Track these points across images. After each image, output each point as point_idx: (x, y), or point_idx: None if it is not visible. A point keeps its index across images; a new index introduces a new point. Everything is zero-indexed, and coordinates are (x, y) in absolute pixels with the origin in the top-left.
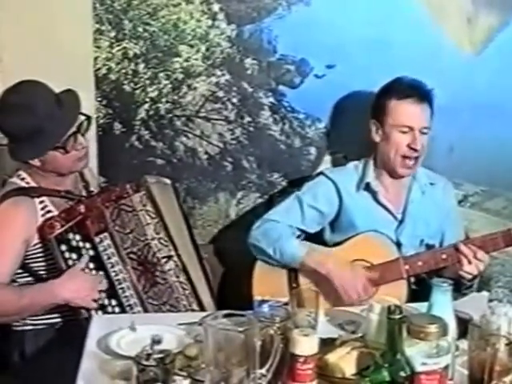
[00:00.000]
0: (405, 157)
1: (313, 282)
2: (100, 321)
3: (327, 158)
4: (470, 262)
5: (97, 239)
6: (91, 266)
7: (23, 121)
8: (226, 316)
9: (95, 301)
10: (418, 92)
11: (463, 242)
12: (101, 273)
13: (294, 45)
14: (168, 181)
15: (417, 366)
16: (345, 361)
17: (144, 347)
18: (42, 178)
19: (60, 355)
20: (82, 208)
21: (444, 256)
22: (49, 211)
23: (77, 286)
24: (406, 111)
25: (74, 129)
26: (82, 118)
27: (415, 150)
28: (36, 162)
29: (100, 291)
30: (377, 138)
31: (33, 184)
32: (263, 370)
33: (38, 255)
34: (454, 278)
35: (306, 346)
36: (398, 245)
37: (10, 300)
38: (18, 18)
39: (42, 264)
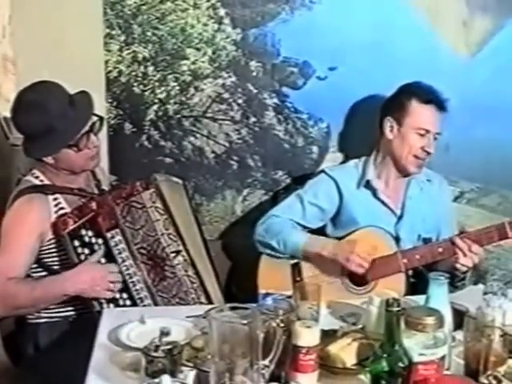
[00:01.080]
0: (417, 157)
1: (316, 272)
2: (111, 314)
3: (329, 157)
4: (465, 255)
5: (108, 235)
6: (103, 260)
7: (37, 119)
8: (231, 309)
9: (111, 290)
10: (438, 99)
11: (459, 235)
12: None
13: (297, 48)
14: (179, 180)
15: (414, 356)
16: (346, 351)
17: (153, 339)
18: (55, 176)
19: (73, 347)
20: (93, 205)
21: (440, 250)
22: (62, 208)
23: (88, 277)
24: (427, 115)
25: (86, 128)
26: (95, 118)
27: (428, 153)
28: (49, 160)
29: (112, 282)
30: (390, 136)
31: (46, 182)
32: (266, 361)
33: (52, 250)
34: (448, 271)
35: (308, 337)
36: (397, 239)
37: (24, 292)
38: (31, 23)
39: (56, 259)
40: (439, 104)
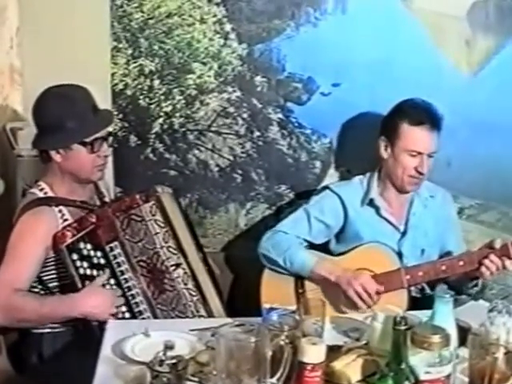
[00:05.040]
0: (412, 177)
1: (319, 288)
2: (115, 326)
3: (332, 172)
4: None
5: (107, 248)
6: (105, 276)
7: (61, 108)
8: (238, 325)
9: (112, 315)
10: (430, 119)
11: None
12: (115, 288)
13: (301, 64)
14: (169, 189)
15: (420, 374)
16: (350, 368)
17: (157, 353)
18: (59, 185)
19: (77, 358)
20: (93, 218)
21: (443, 267)
22: (66, 219)
23: (97, 301)
24: (417, 137)
25: (104, 134)
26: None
27: (420, 173)
28: (58, 158)
29: (116, 306)
30: (385, 155)
31: (50, 194)
32: (274, 379)
33: (50, 264)
34: (460, 280)
35: (313, 354)
36: (400, 255)
37: (31, 307)
38: (39, 35)
39: (54, 272)
40: (432, 123)
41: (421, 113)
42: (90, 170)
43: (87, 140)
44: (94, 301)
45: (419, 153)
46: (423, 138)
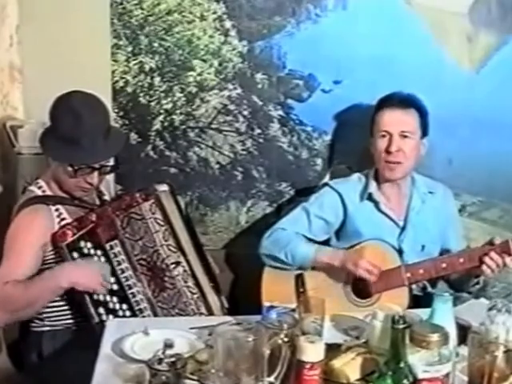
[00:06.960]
0: (387, 161)
1: (320, 283)
2: (114, 324)
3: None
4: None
5: (107, 246)
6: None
7: (70, 124)
8: (236, 324)
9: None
10: (396, 99)
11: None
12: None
13: (302, 61)
14: (166, 187)
15: (419, 373)
16: (349, 367)
17: (156, 351)
18: (58, 184)
19: (76, 356)
20: (93, 217)
21: (444, 265)
22: (63, 218)
23: (81, 268)
24: (383, 118)
25: (96, 165)
26: (111, 162)
27: (390, 153)
28: (50, 160)
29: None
30: (372, 150)
31: (49, 192)
32: (272, 378)
33: (51, 262)
34: (462, 277)
35: (312, 352)
36: (400, 252)
37: (18, 292)
38: (39, 32)
39: None
40: (397, 102)
41: (388, 98)
42: (73, 188)
43: (73, 163)
44: (77, 268)
45: (388, 133)
46: (388, 117)
